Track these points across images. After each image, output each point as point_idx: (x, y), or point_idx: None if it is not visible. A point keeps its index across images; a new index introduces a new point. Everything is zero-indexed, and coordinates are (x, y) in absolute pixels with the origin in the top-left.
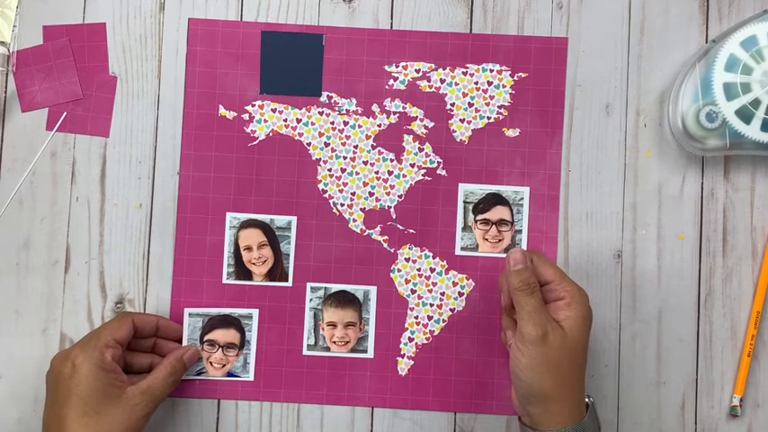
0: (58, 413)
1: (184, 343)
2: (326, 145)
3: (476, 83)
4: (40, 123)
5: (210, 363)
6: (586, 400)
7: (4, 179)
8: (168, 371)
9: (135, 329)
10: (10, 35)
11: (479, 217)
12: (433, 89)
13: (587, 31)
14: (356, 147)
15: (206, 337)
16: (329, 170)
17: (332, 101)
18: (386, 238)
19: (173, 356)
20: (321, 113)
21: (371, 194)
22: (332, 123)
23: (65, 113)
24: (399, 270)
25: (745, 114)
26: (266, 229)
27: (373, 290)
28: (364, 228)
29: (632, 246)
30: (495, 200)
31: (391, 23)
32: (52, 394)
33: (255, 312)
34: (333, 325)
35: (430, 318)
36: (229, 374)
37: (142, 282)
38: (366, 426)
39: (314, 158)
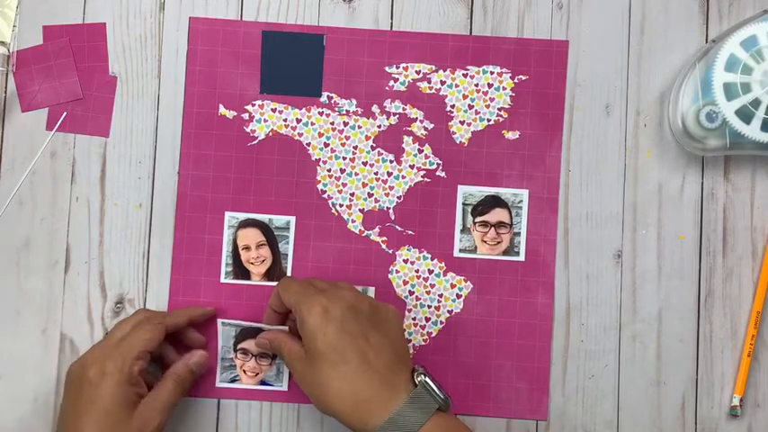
0: (75, 422)
1: (219, 352)
2: (326, 145)
3: (476, 85)
4: (40, 123)
5: (244, 371)
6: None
7: (4, 179)
8: (175, 380)
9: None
10: (10, 35)
11: (478, 219)
12: (433, 91)
13: (587, 31)
14: (356, 147)
15: (239, 346)
16: (328, 170)
17: (332, 101)
18: (384, 239)
19: (180, 365)
20: (321, 114)
21: (370, 195)
22: (332, 124)
23: (65, 113)
24: (398, 271)
25: (745, 114)
26: (265, 228)
27: (371, 291)
28: (363, 228)
29: (632, 246)
30: (494, 202)
31: (391, 23)
32: (73, 399)
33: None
34: None
35: (428, 320)
36: (263, 383)
37: (142, 282)
38: None
39: (313, 159)
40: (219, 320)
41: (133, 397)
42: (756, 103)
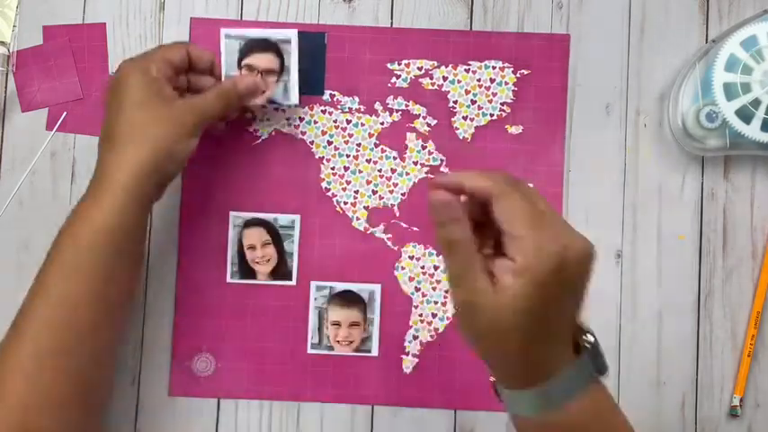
0: (114, 114)
1: (222, 69)
2: (329, 143)
3: (478, 80)
4: (40, 123)
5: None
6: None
7: (4, 179)
8: (216, 91)
9: (189, 59)
10: (10, 35)
11: None
12: (435, 87)
13: (587, 31)
14: (359, 145)
15: (244, 62)
16: (332, 168)
17: (334, 99)
18: (389, 235)
19: (226, 81)
20: (324, 112)
21: (375, 192)
22: (335, 122)
23: (65, 113)
24: (403, 268)
25: (745, 114)
26: (270, 227)
27: (377, 288)
28: (368, 226)
29: (632, 246)
30: None
31: (391, 23)
32: (107, 103)
33: (294, 35)
34: (337, 324)
35: (434, 315)
36: (271, 102)
37: (142, 282)
38: (366, 424)
39: (317, 157)
40: (223, 31)
41: (158, 92)
42: (756, 103)
